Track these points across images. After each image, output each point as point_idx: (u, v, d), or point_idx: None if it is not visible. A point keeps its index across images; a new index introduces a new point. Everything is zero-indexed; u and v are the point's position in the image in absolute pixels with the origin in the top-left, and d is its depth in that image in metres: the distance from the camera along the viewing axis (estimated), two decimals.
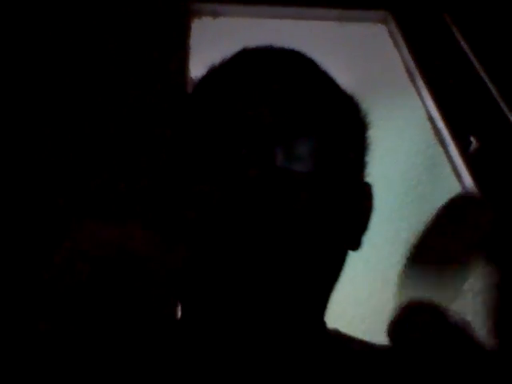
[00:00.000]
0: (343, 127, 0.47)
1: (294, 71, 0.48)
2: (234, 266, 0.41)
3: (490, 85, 1.33)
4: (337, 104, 0.48)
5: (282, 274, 0.42)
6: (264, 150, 0.42)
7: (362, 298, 1.44)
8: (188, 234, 0.44)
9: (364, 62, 1.57)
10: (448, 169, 1.30)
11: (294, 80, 0.47)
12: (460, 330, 0.48)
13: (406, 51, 1.47)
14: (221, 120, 0.45)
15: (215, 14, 1.43)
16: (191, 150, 0.46)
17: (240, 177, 0.42)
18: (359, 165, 0.51)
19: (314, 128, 0.45)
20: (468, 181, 1.24)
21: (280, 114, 0.44)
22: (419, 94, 1.42)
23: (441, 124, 1.34)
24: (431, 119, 1.38)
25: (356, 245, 0.50)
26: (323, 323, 0.49)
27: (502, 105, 1.29)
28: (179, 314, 0.50)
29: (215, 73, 0.50)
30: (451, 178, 1.29)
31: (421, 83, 1.41)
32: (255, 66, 0.48)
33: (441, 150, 1.34)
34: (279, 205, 0.42)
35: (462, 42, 1.41)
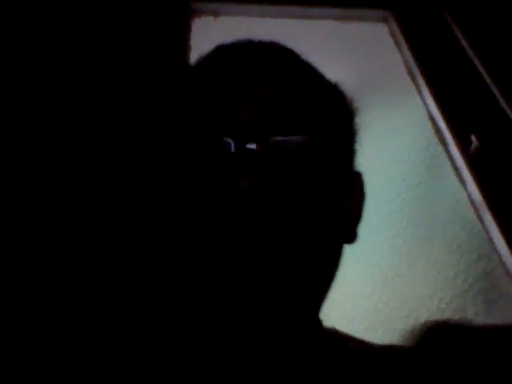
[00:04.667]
0: (329, 117, 0.47)
1: (275, 64, 0.47)
2: (229, 263, 0.41)
3: (490, 84, 1.33)
4: (321, 94, 0.47)
5: (279, 271, 0.42)
6: (253, 142, 0.42)
7: (363, 297, 1.44)
8: (185, 235, 0.44)
9: (365, 61, 1.57)
10: (449, 168, 1.30)
11: (277, 74, 0.46)
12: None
13: (406, 50, 1.47)
14: (206, 120, 0.44)
15: (216, 14, 1.43)
16: (179, 150, 0.46)
17: (231, 174, 0.41)
18: (348, 153, 0.50)
19: (300, 120, 0.44)
20: (469, 179, 1.24)
21: (265, 109, 0.43)
22: (420, 93, 1.42)
23: (441, 123, 1.34)
24: (432, 118, 1.38)
25: (352, 237, 0.50)
26: (319, 320, 0.49)
27: (503, 104, 1.29)
28: (178, 313, 0.50)
29: (193, 72, 0.49)
30: (452, 177, 1.29)
31: (422, 82, 1.41)
32: (235, 62, 0.47)
33: (441, 149, 1.34)
34: (271, 200, 0.42)
35: (463, 41, 1.41)
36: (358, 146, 0.51)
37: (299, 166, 0.43)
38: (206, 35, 1.34)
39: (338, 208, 0.46)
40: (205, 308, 0.44)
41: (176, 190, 0.45)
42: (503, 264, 1.14)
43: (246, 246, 0.41)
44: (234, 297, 0.42)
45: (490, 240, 1.17)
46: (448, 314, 1.24)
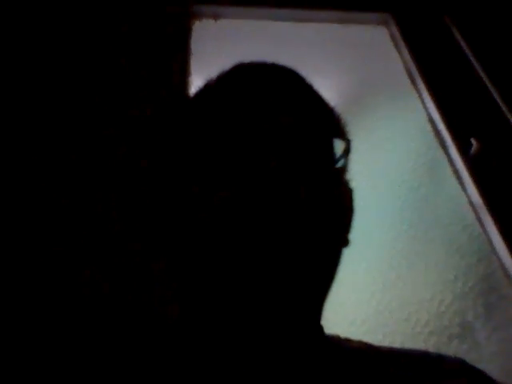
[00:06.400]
0: (324, 136, 0.52)
1: (283, 90, 0.53)
2: (235, 268, 0.42)
3: (490, 87, 1.33)
4: (320, 119, 0.53)
5: (284, 278, 0.42)
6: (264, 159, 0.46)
7: (363, 300, 1.44)
8: (193, 235, 0.45)
9: (365, 64, 1.57)
10: (449, 171, 1.31)
11: (284, 97, 0.52)
12: None
13: (406, 53, 1.47)
14: (222, 134, 0.49)
15: (216, 16, 1.43)
16: (193, 156, 0.48)
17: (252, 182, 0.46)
18: (342, 170, 0.54)
19: (301, 140, 0.49)
20: (469, 183, 1.24)
21: (273, 130, 0.49)
22: (420, 96, 1.42)
23: (441, 126, 1.34)
24: (432, 121, 1.38)
25: (344, 243, 0.52)
26: (321, 327, 0.50)
27: (503, 107, 1.29)
28: (180, 315, 0.50)
29: (212, 89, 0.55)
30: (452, 180, 1.29)
31: (421, 85, 1.41)
32: (250, 84, 0.53)
33: (442, 152, 1.34)
34: (277, 209, 0.44)
35: (463, 45, 1.41)
36: (348, 164, 0.55)
37: (303, 179, 0.47)
38: (207, 38, 1.34)
39: (333, 215, 0.49)
40: (209, 312, 0.44)
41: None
42: (503, 266, 1.14)
43: (256, 251, 0.42)
44: (238, 300, 0.42)
45: (490, 243, 1.17)
46: (448, 316, 1.24)
